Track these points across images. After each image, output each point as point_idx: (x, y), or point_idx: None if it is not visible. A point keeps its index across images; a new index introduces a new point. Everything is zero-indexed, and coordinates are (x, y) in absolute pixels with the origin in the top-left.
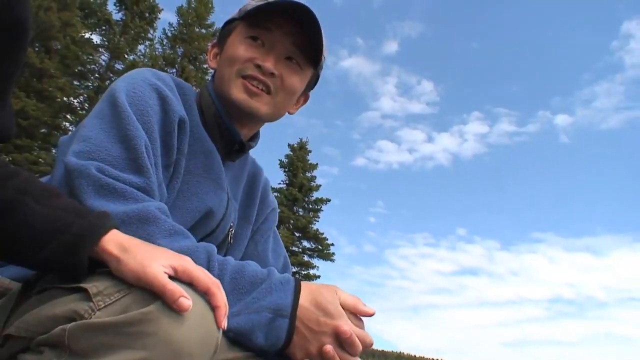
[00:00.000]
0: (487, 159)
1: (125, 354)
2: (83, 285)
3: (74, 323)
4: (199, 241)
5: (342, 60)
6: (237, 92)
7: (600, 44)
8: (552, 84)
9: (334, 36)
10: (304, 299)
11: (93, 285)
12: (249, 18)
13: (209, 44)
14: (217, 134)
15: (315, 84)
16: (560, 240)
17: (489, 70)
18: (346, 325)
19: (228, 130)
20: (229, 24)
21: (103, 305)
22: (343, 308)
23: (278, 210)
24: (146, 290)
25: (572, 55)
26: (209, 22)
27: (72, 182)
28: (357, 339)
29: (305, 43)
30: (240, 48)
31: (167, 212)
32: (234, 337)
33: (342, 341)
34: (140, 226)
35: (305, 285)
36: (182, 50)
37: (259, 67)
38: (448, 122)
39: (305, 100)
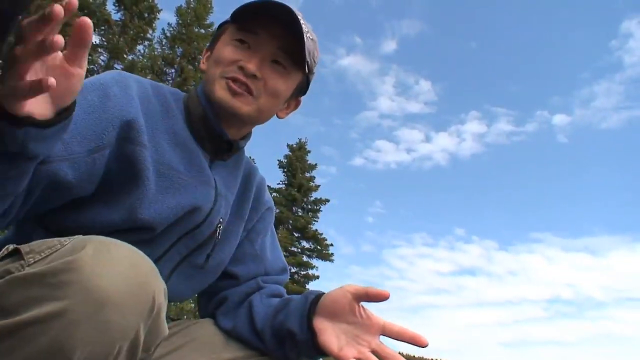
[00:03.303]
0: (485, 158)
1: (49, 306)
2: (18, 246)
3: (2, 279)
4: (182, 236)
5: (340, 59)
6: (220, 90)
7: (599, 43)
8: (551, 83)
9: (332, 34)
10: None
11: (27, 245)
12: (236, 21)
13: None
14: (203, 134)
15: (306, 88)
16: (559, 241)
17: (487, 70)
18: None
19: (214, 130)
20: (221, 27)
21: (33, 261)
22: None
23: (275, 210)
24: (78, 244)
25: (570, 54)
26: (208, 22)
27: None
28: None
29: (292, 46)
30: (226, 50)
31: None
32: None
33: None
34: None
35: None
36: (181, 50)
37: (241, 68)
38: (446, 122)
39: (297, 106)
